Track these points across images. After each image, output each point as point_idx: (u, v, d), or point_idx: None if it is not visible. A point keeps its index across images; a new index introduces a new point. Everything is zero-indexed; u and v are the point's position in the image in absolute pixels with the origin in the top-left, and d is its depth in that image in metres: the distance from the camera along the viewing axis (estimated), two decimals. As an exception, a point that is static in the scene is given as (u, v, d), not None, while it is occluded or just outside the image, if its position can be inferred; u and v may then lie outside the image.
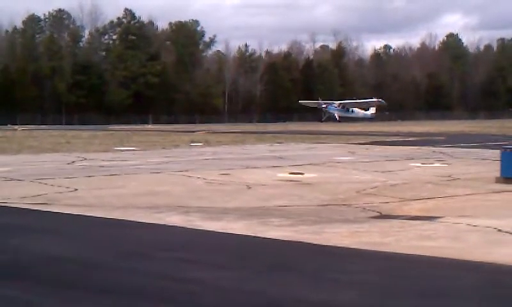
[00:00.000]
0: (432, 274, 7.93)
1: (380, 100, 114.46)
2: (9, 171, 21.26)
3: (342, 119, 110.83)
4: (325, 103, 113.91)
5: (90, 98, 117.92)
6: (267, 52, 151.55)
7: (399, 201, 14.91)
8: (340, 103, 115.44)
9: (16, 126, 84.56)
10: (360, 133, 57.94)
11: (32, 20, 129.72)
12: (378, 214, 13.07)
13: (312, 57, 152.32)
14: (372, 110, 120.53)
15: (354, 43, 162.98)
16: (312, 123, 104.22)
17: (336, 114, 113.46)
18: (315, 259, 8.92)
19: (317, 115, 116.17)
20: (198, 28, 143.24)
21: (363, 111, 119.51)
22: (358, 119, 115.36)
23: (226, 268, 8.36)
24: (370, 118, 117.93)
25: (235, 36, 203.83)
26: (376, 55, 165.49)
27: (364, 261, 8.71)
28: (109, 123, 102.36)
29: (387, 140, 45.84)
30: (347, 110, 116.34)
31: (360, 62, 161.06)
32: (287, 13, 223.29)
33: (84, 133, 57.34)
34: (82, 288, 7.36)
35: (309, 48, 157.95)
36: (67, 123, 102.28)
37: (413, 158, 27.38)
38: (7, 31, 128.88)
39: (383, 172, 21.45)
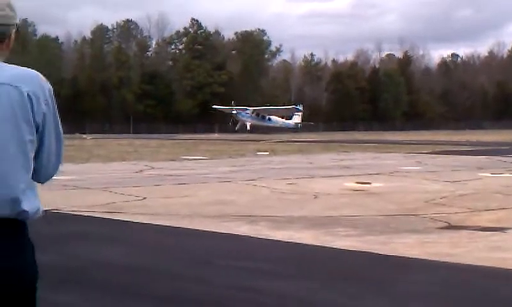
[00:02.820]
0: (502, 286, 7.79)
1: (296, 106, 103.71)
2: (78, 180, 21.60)
3: (257, 129, 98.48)
4: (236, 110, 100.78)
5: (157, 107, 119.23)
6: (333, 61, 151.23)
7: (468, 212, 14.67)
8: (254, 110, 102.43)
9: (84, 135, 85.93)
10: (428, 143, 57.27)
11: (100, 31, 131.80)
12: (447, 224, 12.89)
13: (377, 65, 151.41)
14: (297, 119, 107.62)
15: (421, 52, 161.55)
16: (377, 132, 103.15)
17: (247, 123, 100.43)
18: (383, 270, 8.85)
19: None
20: (264, 37, 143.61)
21: (282, 120, 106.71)
22: (276, 130, 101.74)
23: (294, 278, 8.34)
24: (294, 128, 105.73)
25: (301, 45, 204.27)
26: (443, 63, 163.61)
27: (432, 272, 8.60)
28: (176, 132, 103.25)
29: (455, 149, 45.22)
30: (263, 118, 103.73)
31: (427, 70, 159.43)
32: (352, 22, 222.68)
33: (151, 142, 57.95)
34: (148, 297, 7.42)
35: (375, 57, 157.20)
36: (135, 132, 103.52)
37: (481, 168, 26.94)
38: (76, 42, 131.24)
39: (451, 182, 21.15)
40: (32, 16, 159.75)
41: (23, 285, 3.04)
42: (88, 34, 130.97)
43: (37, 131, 3.12)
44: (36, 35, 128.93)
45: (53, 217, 13.64)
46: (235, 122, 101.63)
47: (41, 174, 3.23)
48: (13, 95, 3.05)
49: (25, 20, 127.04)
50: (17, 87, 3.07)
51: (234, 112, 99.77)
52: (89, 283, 8.00)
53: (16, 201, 2.99)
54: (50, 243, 10.65)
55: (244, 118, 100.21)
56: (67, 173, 24.23)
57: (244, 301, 7.24)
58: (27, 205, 3.04)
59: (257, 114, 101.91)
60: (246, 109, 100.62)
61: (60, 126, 3.30)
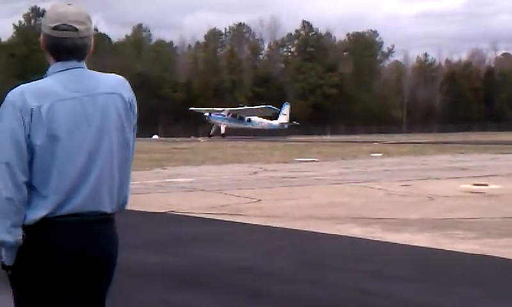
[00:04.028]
0: None
1: (269, 106, 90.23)
2: (194, 182, 21.98)
3: (234, 132, 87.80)
4: (208, 112, 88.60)
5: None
6: (447, 61, 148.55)
7: None
8: (230, 110, 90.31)
9: (199, 138, 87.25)
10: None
11: (213, 35, 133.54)
12: None
13: (493, 65, 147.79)
14: (283, 119, 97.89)
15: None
16: (492, 133, 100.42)
17: (222, 125, 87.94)
18: (502, 274, 8.68)
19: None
20: (377, 38, 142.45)
21: (267, 121, 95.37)
22: (258, 132, 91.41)
23: (411, 280, 8.28)
24: (280, 129, 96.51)
25: (413, 45, 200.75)
26: None
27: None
28: (288, 134, 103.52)
29: None
30: (241, 119, 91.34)
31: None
32: (466, 22, 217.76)
33: (264, 145, 58.33)
34: (264, 298, 7.51)
35: (490, 56, 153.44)
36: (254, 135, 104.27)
37: None
38: (189, 46, 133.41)
39: None
40: (148, 22, 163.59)
41: (114, 266, 3.58)
42: (202, 39, 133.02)
43: None
44: (151, 40, 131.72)
45: (170, 219, 13.97)
46: (211, 126, 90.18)
47: None
48: (118, 103, 3.40)
49: (140, 26, 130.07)
50: (120, 95, 3.42)
51: (206, 114, 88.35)
52: (208, 284, 8.15)
53: (126, 202, 3.61)
54: (168, 244, 10.91)
55: (218, 121, 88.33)
56: (184, 175, 24.73)
57: (362, 304, 7.24)
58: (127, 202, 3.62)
59: (234, 115, 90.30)
60: (223, 110, 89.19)
61: None
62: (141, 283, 8.23)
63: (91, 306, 3.53)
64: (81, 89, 3.35)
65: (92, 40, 3.47)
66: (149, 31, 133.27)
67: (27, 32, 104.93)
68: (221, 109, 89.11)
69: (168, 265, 9.34)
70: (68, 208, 3.30)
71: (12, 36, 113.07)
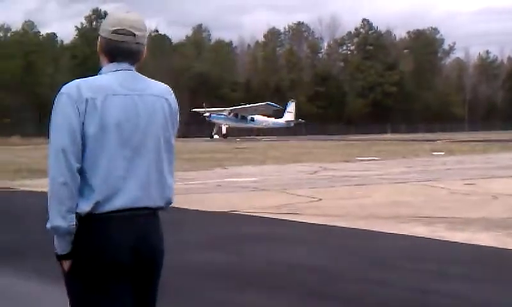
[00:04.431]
0: None
1: (269, 103, 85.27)
2: (255, 181, 22.06)
3: (236, 132, 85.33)
4: (209, 111, 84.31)
5: (329, 108, 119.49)
6: (509, 58, 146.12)
7: None
8: (231, 110, 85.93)
9: (259, 137, 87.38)
10: None
11: (273, 34, 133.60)
12: None
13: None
14: (289, 116, 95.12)
15: None
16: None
17: (223, 126, 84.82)
18: None
19: None
20: (437, 36, 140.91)
21: (272, 119, 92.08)
22: (266, 132, 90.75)
23: (476, 280, 8.20)
24: (286, 127, 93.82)
25: (475, 42, 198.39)
26: None
27: None
28: (348, 133, 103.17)
29: None
30: (243, 119, 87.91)
31: None
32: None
33: (324, 144, 58.21)
34: (327, 298, 7.52)
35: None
36: (308, 134, 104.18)
37: None
38: (249, 46, 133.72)
39: None
40: (207, 22, 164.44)
41: (162, 261, 3.76)
42: (261, 38, 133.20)
43: None
44: (210, 40, 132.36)
45: (232, 219, 14.05)
46: (212, 126, 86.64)
47: None
48: (165, 106, 3.63)
49: (200, 26, 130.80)
50: (167, 100, 3.66)
51: (206, 114, 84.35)
52: (271, 284, 8.18)
53: (172, 199, 3.73)
54: (231, 244, 10.98)
55: (219, 121, 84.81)
56: (244, 174, 24.83)
57: (426, 304, 7.20)
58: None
59: (236, 115, 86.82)
60: (224, 110, 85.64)
61: None
62: (204, 282, 8.29)
63: (143, 301, 3.67)
64: (133, 88, 3.57)
65: (145, 47, 3.68)
66: (208, 31, 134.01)
67: (88, 34, 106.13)
68: (221, 108, 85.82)
69: (231, 264, 9.40)
70: (118, 203, 3.46)
71: (74, 38, 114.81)
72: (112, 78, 3.55)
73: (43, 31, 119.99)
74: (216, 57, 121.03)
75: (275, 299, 7.56)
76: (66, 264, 3.49)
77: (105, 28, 3.61)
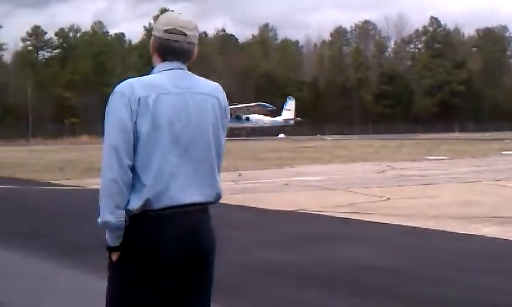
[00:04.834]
0: None
1: (260, 103, 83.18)
2: (321, 180, 21.96)
3: (228, 132, 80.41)
4: None
5: (396, 107, 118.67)
6: None
7: None
8: None
9: (325, 136, 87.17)
10: None
11: (339, 33, 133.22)
12: None
13: None
14: (287, 114, 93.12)
15: None
16: None
17: None
18: None
19: None
20: (506, 34, 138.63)
21: (269, 118, 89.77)
22: (263, 131, 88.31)
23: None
24: (284, 126, 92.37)
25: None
26: None
27: None
28: (414, 132, 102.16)
29: None
30: (238, 118, 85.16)
31: None
32: None
33: (391, 143, 57.73)
34: (401, 298, 7.40)
35: None
36: (374, 133, 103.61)
37: None
38: (315, 45, 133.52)
39: None
40: (274, 22, 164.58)
41: (214, 257, 3.75)
42: (328, 37, 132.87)
43: None
44: (276, 39, 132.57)
45: (299, 218, 14.00)
46: None
47: None
48: (215, 104, 3.70)
49: (266, 25, 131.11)
50: (218, 98, 3.74)
51: None
52: (338, 283, 8.11)
53: (221, 194, 3.76)
54: (298, 242, 10.93)
55: None
56: (311, 173, 24.77)
57: (496, 305, 7.04)
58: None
59: (230, 114, 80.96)
60: None
61: None
62: (271, 281, 8.27)
63: (197, 298, 3.69)
64: (184, 86, 3.66)
65: (196, 48, 3.78)
66: (275, 31, 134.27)
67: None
68: None
69: (298, 263, 9.35)
70: (168, 199, 3.52)
71: (142, 38, 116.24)
72: (164, 77, 3.64)
73: (112, 31, 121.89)
74: (282, 56, 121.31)
75: (339, 298, 7.48)
76: (115, 255, 3.57)
77: (159, 28, 3.72)
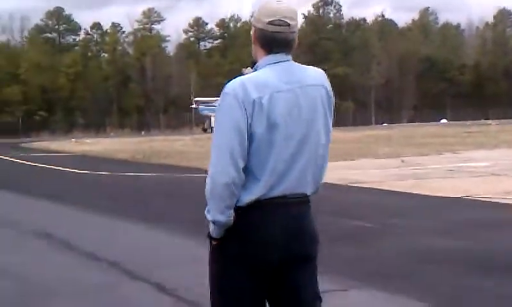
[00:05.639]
0: None
1: None
2: (488, 166, 21.42)
3: None
4: (197, 103, 75.62)
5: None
6: None
7: None
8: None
9: (489, 121, 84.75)
10: None
11: (503, 14, 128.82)
12: None
13: None
14: None
15: None
16: None
17: (213, 118, 61.74)
18: None
19: None
20: None
21: None
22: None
23: None
24: None
25: None
26: None
27: None
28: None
29: None
30: None
31: None
32: None
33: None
34: None
35: None
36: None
37: None
38: (477, 27, 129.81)
39: None
40: (434, 5, 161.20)
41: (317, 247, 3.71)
42: (490, 19, 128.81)
43: None
44: (437, 23, 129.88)
45: (466, 205, 13.78)
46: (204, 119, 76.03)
47: None
48: (323, 94, 3.66)
49: (427, 9, 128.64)
50: (324, 86, 3.68)
51: (194, 105, 76.82)
52: (495, 268, 8.04)
53: (321, 185, 3.75)
54: (465, 229, 10.80)
55: (209, 113, 69.39)
56: (477, 159, 24.22)
57: None
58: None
59: None
60: (214, 101, 65.21)
61: None
62: (435, 267, 8.22)
63: (299, 288, 3.67)
64: (293, 81, 3.60)
65: (297, 35, 3.69)
66: (436, 14, 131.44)
67: (316, 21, 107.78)
68: (211, 99, 71.05)
69: (464, 249, 9.25)
70: (278, 191, 3.53)
71: (302, 26, 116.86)
72: (273, 72, 3.58)
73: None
74: (443, 40, 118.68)
75: (497, 284, 7.37)
76: (216, 243, 3.63)
77: (260, 19, 3.63)
